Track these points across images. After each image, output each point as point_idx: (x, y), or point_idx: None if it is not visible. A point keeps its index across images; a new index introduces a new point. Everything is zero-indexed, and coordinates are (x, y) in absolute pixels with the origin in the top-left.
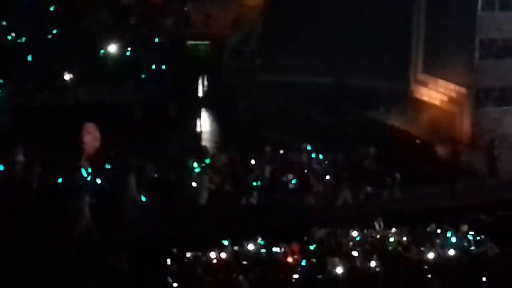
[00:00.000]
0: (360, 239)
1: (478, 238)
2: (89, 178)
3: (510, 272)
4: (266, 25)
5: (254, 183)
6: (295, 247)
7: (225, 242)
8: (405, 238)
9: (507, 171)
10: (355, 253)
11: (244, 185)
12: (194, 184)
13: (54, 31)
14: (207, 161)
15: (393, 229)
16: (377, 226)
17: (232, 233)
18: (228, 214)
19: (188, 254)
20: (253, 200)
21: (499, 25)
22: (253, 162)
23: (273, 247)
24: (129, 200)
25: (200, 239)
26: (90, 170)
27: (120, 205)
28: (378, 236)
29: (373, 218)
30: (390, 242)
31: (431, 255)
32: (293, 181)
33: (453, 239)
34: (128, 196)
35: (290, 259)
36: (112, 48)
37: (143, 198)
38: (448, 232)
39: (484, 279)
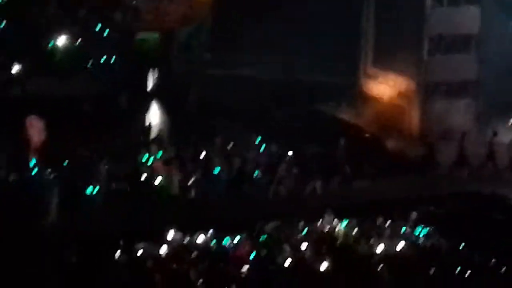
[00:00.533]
0: (309, 231)
1: (427, 230)
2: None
3: (458, 265)
4: (216, 19)
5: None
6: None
7: (175, 235)
8: (354, 230)
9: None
10: (304, 245)
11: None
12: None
13: (2, 24)
14: (159, 154)
15: (343, 222)
16: (327, 218)
17: (183, 226)
18: (180, 207)
19: (138, 247)
20: (205, 193)
21: (448, 20)
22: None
23: (223, 239)
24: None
25: (151, 232)
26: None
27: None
28: (327, 229)
29: (323, 211)
30: (340, 235)
31: (380, 248)
32: (256, 173)
33: (402, 231)
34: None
35: (240, 252)
36: (61, 40)
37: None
38: (398, 223)
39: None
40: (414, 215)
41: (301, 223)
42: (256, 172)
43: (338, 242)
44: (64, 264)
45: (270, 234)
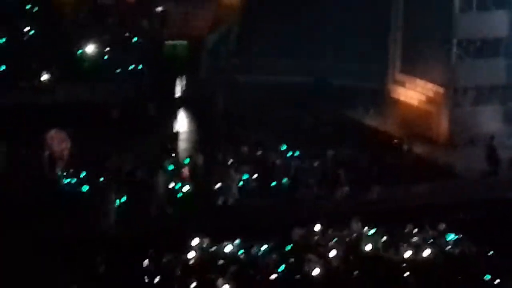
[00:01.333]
0: (337, 239)
1: (455, 237)
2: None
3: (486, 271)
4: (244, 25)
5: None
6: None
7: (203, 242)
8: (382, 238)
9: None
10: (332, 253)
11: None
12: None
13: (32, 31)
14: (186, 161)
15: (371, 229)
16: (354, 226)
17: (211, 233)
18: (209, 214)
19: (166, 255)
20: (233, 200)
21: (476, 25)
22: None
23: (251, 247)
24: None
25: (178, 240)
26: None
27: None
28: (355, 236)
29: (351, 218)
30: (367, 242)
31: (408, 255)
32: (284, 181)
33: (431, 239)
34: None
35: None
36: (90, 48)
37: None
38: (426, 231)
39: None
40: (442, 222)
41: (330, 230)
42: (285, 179)
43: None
44: (91, 270)
45: (298, 242)
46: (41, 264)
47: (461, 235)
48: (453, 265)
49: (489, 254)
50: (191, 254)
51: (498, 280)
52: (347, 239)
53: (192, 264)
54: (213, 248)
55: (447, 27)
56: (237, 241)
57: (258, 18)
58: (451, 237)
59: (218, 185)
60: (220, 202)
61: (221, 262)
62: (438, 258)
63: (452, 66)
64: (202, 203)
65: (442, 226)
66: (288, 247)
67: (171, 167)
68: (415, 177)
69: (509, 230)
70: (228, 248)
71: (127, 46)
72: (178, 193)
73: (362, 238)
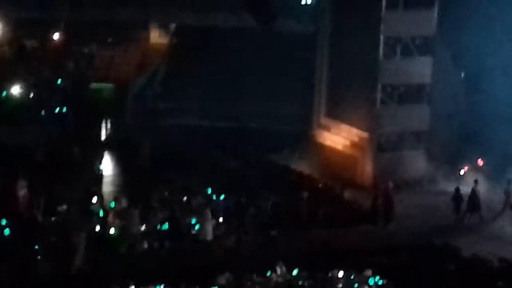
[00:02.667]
0: (263, 284)
1: (381, 282)
2: None
3: None
4: (170, 69)
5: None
6: None
7: None
8: (306, 283)
9: (406, 215)
10: None
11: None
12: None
13: None
14: (112, 204)
15: (294, 273)
16: (279, 271)
17: (135, 278)
18: (133, 258)
19: None
20: (156, 244)
21: (400, 71)
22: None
23: None
24: None
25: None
26: None
27: None
28: (280, 280)
29: (276, 262)
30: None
31: None
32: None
33: (356, 284)
34: None
35: None
36: (14, 90)
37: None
38: (351, 276)
39: None
40: (368, 266)
41: (255, 275)
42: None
43: None
44: None
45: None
46: None
47: (385, 280)
48: None
49: None
50: None
51: None
52: (273, 284)
53: None
54: None
55: (371, 72)
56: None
57: (183, 62)
58: (375, 281)
59: (143, 228)
60: (145, 246)
61: None
62: None
63: (376, 111)
64: (127, 247)
65: (368, 271)
66: None
67: (97, 211)
68: (341, 221)
69: (433, 275)
70: None
71: (52, 88)
72: (104, 236)
73: (286, 283)
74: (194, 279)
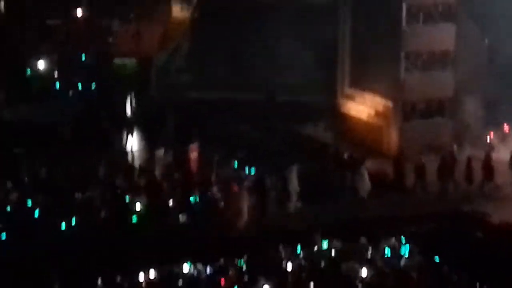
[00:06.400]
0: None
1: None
2: None
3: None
4: (193, 42)
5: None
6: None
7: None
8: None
9: (433, 182)
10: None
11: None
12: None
13: None
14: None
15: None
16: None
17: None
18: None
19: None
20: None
21: (423, 38)
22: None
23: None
24: None
25: (131, 261)
26: None
27: None
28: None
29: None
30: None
31: (363, 269)
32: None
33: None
34: None
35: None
36: (39, 67)
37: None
38: (380, 245)
39: None
40: (395, 234)
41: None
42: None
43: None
44: None
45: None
46: None
47: (414, 248)
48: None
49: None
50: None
51: None
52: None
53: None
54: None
55: (394, 40)
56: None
57: (207, 35)
58: (405, 249)
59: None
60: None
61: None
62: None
63: (400, 79)
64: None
65: (396, 239)
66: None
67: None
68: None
69: (462, 243)
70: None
71: (76, 64)
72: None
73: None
74: (221, 253)
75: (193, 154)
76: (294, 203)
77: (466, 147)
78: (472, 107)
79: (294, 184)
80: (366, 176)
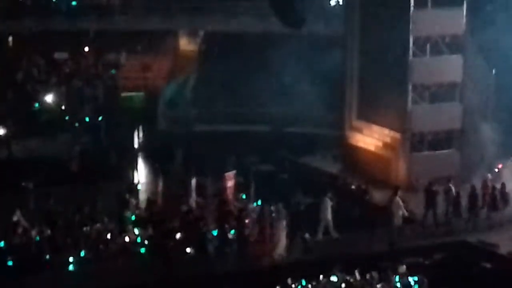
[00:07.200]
0: None
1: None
2: None
3: None
4: (200, 75)
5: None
6: None
7: None
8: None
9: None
10: None
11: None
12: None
13: None
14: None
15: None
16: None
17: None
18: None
19: None
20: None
21: (431, 70)
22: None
23: None
24: None
25: None
26: None
27: None
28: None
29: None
30: None
31: None
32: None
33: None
34: None
35: None
36: (46, 101)
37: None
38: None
39: None
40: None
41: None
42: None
43: None
44: None
45: None
46: None
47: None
48: None
49: None
50: None
51: None
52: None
53: None
54: None
55: (401, 72)
56: None
57: (213, 68)
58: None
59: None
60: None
61: None
62: None
63: (408, 111)
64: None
65: (402, 267)
66: None
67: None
68: (376, 223)
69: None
70: None
71: (84, 98)
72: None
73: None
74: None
75: (229, 184)
76: (332, 233)
77: (473, 178)
78: (480, 139)
79: (326, 215)
80: (401, 205)
